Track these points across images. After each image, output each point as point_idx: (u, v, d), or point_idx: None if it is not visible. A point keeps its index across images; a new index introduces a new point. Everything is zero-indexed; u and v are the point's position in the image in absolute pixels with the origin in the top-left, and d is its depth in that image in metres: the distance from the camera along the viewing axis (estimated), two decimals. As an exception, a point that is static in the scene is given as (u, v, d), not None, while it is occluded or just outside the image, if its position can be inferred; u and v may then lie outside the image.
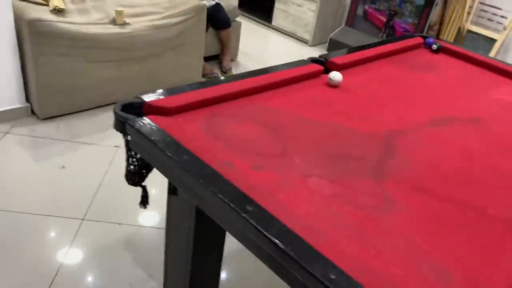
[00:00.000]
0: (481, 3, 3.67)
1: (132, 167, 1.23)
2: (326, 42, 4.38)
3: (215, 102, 1.33)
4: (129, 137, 1.17)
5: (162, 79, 2.94)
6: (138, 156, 1.21)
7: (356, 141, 1.27)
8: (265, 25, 4.86)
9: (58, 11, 2.31)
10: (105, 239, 1.86)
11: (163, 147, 1.03)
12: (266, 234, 0.83)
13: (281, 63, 1.63)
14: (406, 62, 1.99)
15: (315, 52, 4.39)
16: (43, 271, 1.67)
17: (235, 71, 3.63)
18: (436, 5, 3.54)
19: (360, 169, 1.14)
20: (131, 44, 2.59)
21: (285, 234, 0.83)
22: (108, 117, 2.66)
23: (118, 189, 2.08)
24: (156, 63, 2.84)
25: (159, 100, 1.24)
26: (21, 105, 2.49)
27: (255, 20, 4.89)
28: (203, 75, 3.34)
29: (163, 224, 1.96)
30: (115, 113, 1.15)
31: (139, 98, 1.23)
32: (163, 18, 2.75)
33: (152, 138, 1.06)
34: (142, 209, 1.36)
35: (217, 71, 3.49)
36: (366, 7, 3.97)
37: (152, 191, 1.49)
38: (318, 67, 1.64)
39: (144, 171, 1.27)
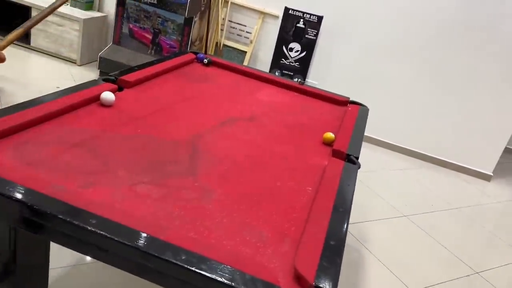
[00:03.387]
0: (230, 21, 4.32)
1: None
2: (96, 61, 4.35)
3: (18, 130, 1.29)
4: None
5: None
6: None
7: (167, 148, 1.44)
8: (23, 46, 4.47)
9: None
10: None
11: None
12: (117, 239, 0.92)
13: (51, 84, 1.64)
14: (186, 76, 2.26)
15: (86, 72, 4.31)
16: None
17: (1, 98, 3.27)
18: (194, 24, 3.99)
19: (177, 171, 1.32)
20: None
21: (135, 235, 0.94)
22: None
23: None
24: None
25: (-48, 136, 1.13)
26: None
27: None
28: (-40, 107, 2.90)
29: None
30: None
31: None
32: None
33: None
34: None
35: (-24, 101, 3.08)
36: (131, 25, 4.13)
37: None
38: (112, 86, 1.74)
39: None
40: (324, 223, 1.17)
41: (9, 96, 3.38)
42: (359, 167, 1.63)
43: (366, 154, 4.01)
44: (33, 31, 4.38)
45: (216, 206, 1.19)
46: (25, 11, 4.35)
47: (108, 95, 1.59)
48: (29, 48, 4.48)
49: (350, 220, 1.29)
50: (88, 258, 1.98)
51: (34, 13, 4.32)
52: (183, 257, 0.91)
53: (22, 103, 1.42)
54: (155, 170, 1.29)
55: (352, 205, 1.36)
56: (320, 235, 1.11)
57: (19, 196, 0.97)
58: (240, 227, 1.12)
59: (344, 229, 1.18)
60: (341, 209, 1.27)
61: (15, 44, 4.46)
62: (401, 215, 3.18)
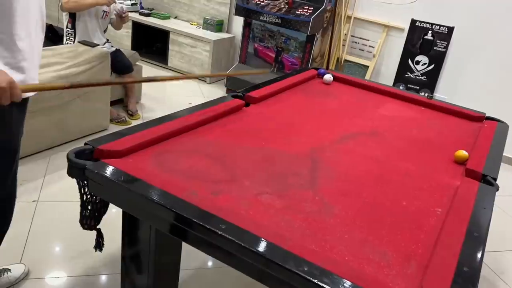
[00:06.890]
0: (352, 36, 4.27)
1: (88, 212, 1.27)
2: (223, 79, 4.65)
3: (159, 141, 1.44)
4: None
5: (71, 128, 2.89)
6: (95, 200, 1.26)
7: (288, 161, 1.48)
8: (161, 66, 4.99)
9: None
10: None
11: (134, 188, 1.11)
12: (244, 245, 0.97)
13: (184, 100, 1.76)
14: (308, 91, 2.29)
15: (214, 89, 4.63)
16: None
17: (141, 112, 3.68)
18: (316, 41, 4.04)
19: (298, 184, 1.34)
20: (38, 97, 2.53)
21: (260, 242, 0.98)
22: (20, 172, 2.52)
23: (49, 242, 2.01)
24: (64, 112, 2.80)
25: (108, 144, 1.31)
26: None
27: (150, 63, 5.00)
28: (111, 120, 3.34)
29: (114, 270, 1.95)
30: (71, 161, 1.20)
31: (88, 144, 1.29)
32: (67, 67, 2.74)
33: (121, 179, 1.14)
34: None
35: (124, 115, 3.51)
36: (256, 45, 4.34)
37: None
38: (240, 101, 1.84)
39: (98, 214, 1.32)
40: (456, 248, 1.08)
41: (149, 111, 3.79)
42: (497, 190, 1.47)
43: (506, 177, 3.60)
44: (170, 52, 4.87)
45: (336, 221, 1.18)
46: (164, 35, 4.86)
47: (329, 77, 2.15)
48: (166, 68, 4.98)
49: (486, 248, 1.17)
50: (214, 261, 2.10)
51: (172, 36, 4.80)
52: (305, 268, 0.92)
53: (162, 117, 1.58)
54: (278, 182, 1.33)
55: (489, 232, 1.23)
56: (452, 260, 1.03)
57: (159, 199, 1.08)
58: (362, 244, 1.09)
59: (480, 256, 1.07)
60: (476, 234, 1.16)
61: (155, 64, 5.01)
62: (548, 247, 2.77)
